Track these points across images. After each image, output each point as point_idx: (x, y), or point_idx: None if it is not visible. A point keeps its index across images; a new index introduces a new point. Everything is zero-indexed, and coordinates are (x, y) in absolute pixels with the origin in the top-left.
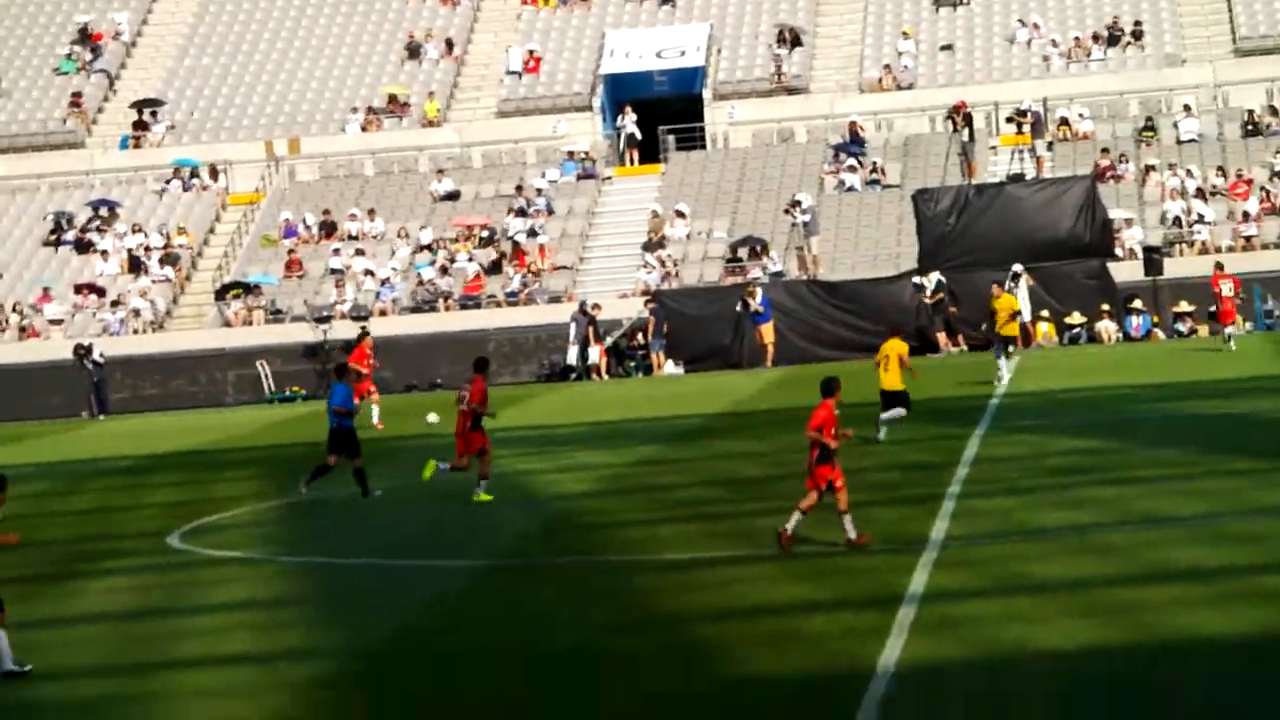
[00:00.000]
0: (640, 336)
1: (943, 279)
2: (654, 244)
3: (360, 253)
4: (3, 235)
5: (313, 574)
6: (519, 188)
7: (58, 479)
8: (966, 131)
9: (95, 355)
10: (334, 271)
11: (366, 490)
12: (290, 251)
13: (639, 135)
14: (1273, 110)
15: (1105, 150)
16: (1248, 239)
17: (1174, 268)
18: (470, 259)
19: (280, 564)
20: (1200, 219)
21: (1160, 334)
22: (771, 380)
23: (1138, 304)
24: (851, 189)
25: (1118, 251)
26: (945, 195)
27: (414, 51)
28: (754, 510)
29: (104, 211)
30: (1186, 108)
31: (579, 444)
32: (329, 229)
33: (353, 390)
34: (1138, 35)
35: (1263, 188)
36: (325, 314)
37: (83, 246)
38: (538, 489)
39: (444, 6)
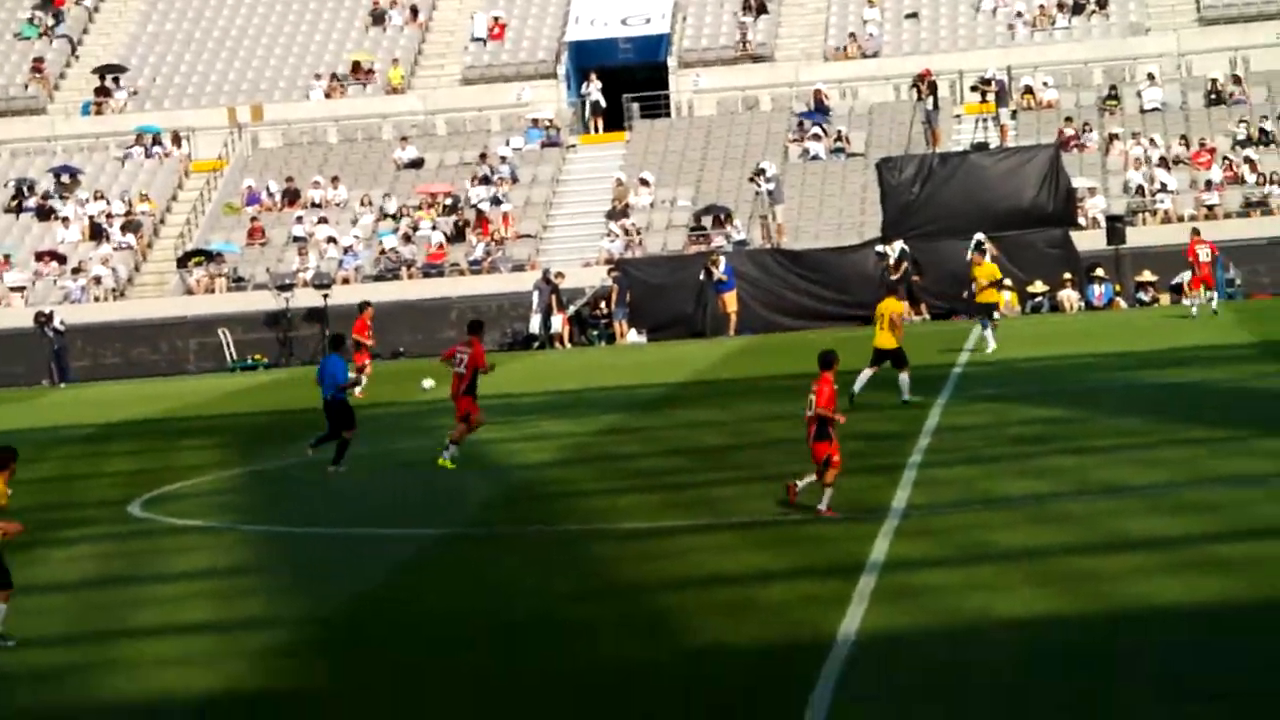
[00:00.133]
0: (603, 305)
1: (906, 248)
2: (618, 212)
3: (323, 221)
4: None
5: (274, 543)
6: (483, 155)
7: (18, 447)
8: (931, 100)
9: (56, 323)
10: (297, 239)
11: (339, 460)
12: (253, 219)
13: (604, 103)
14: (1236, 80)
15: (1069, 119)
16: (1210, 208)
17: (1136, 237)
18: (434, 227)
19: (241, 532)
20: (1163, 188)
21: (1122, 303)
22: (734, 349)
23: (1100, 273)
24: (816, 157)
25: (1080, 220)
26: (909, 164)
27: (378, 18)
28: (716, 480)
29: (65, 178)
30: (1150, 76)
31: (541, 413)
32: (292, 197)
33: (346, 362)
34: (1102, 4)
35: (1225, 157)
36: (287, 282)
37: (44, 213)
38: (500, 458)
39: None
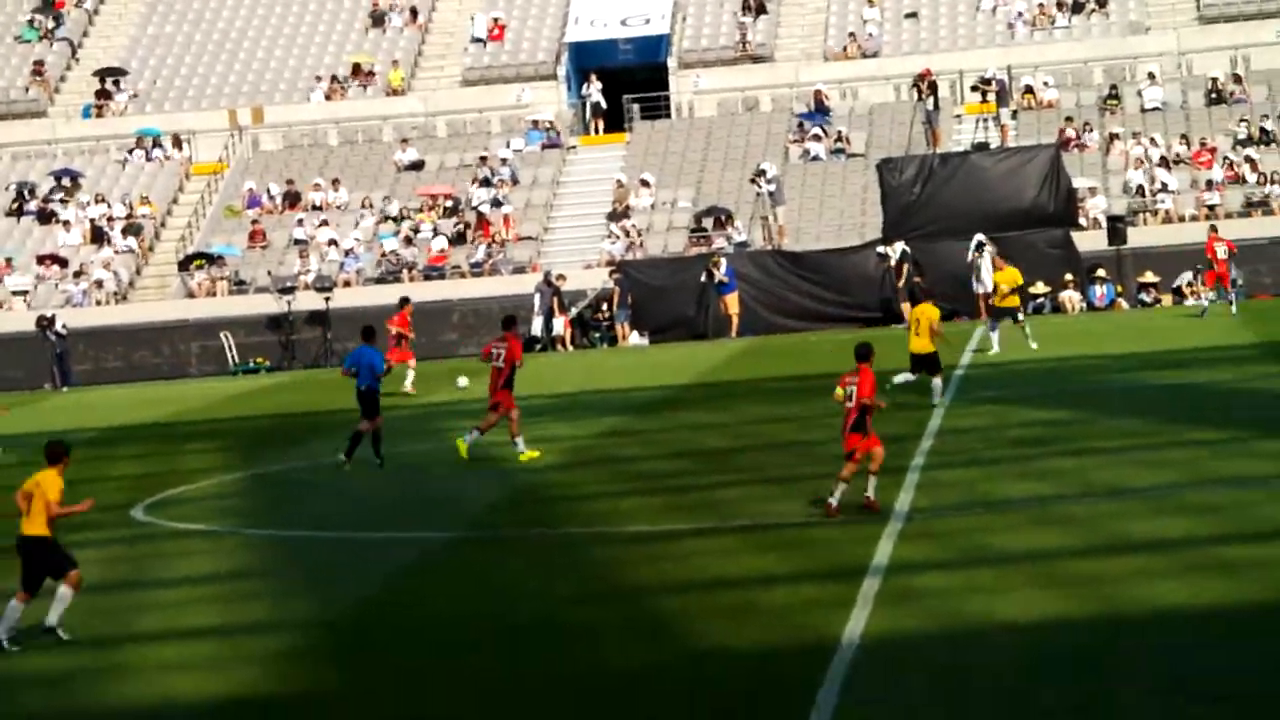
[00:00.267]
0: (605, 307)
1: (907, 249)
2: (619, 214)
3: (324, 223)
4: None
5: (277, 547)
6: (483, 157)
7: (21, 451)
8: (931, 100)
9: (58, 326)
10: (298, 242)
11: (349, 454)
12: (254, 222)
13: (604, 104)
14: (1236, 78)
15: (1069, 119)
16: (1211, 208)
17: (1137, 237)
18: (435, 229)
19: (244, 536)
20: (1164, 188)
21: (1124, 304)
22: (736, 351)
23: (1101, 273)
24: (816, 158)
25: (1081, 221)
26: (910, 164)
27: (378, 19)
28: (718, 482)
29: (66, 181)
30: (1151, 76)
31: (544, 415)
32: (293, 199)
33: (383, 353)
34: (1102, 2)
35: (1226, 156)
36: (289, 285)
37: (45, 217)
38: (503, 461)
39: None
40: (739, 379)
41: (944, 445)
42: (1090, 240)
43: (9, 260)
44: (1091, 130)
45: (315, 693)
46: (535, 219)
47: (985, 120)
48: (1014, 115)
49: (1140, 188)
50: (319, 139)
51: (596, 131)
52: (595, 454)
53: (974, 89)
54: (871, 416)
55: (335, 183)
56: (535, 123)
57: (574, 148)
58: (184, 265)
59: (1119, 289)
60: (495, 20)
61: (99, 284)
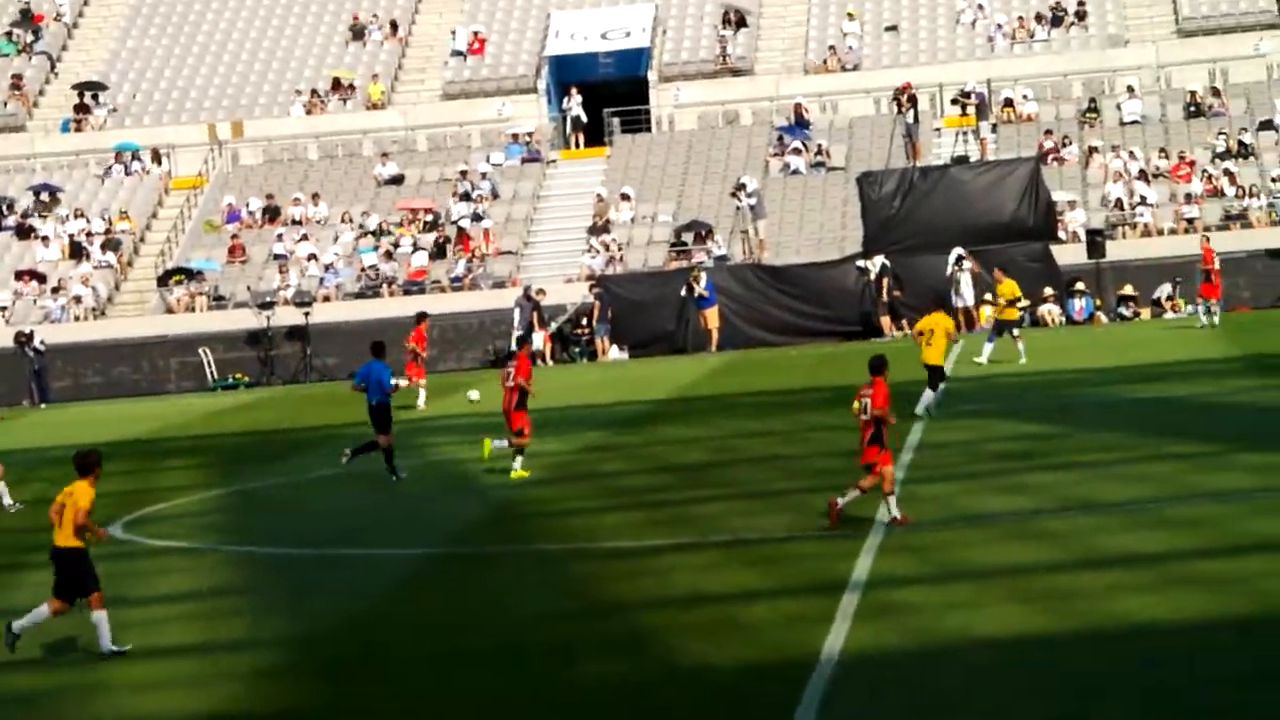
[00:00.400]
0: (585, 322)
1: (887, 263)
2: (599, 228)
3: (304, 238)
4: None
5: (257, 564)
6: (464, 171)
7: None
8: (911, 113)
9: (36, 342)
10: (277, 257)
11: (356, 452)
12: (233, 237)
13: (584, 118)
14: (1215, 91)
15: (1049, 132)
16: (1190, 221)
17: (1116, 250)
18: (414, 244)
19: (224, 554)
20: (1143, 200)
21: (1103, 317)
22: (716, 365)
23: (1081, 287)
24: (796, 172)
25: (1061, 234)
26: (890, 178)
27: (358, 33)
28: (699, 497)
29: (45, 196)
30: (1130, 89)
31: None
32: (272, 214)
33: (391, 369)
34: (1081, 16)
35: (1205, 169)
36: (268, 300)
37: (23, 232)
38: (483, 477)
39: None
40: (719, 393)
41: (923, 459)
42: (1069, 254)
43: None
44: (1071, 143)
45: (296, 710)
46: (515, 233)
47: (965, 133)
48: (994, 128)
49: (1119, 201)
50: (299, 153)
51: (577, 145)
52: (576, 469)
53: (954, 102)
54: (887, 429)
55: (315, 197)
56: (515, 136)
57: (554, 161)
58: (163, 280)
59: (1098, 302)
60: (475, 34)
61: (77, 300)
